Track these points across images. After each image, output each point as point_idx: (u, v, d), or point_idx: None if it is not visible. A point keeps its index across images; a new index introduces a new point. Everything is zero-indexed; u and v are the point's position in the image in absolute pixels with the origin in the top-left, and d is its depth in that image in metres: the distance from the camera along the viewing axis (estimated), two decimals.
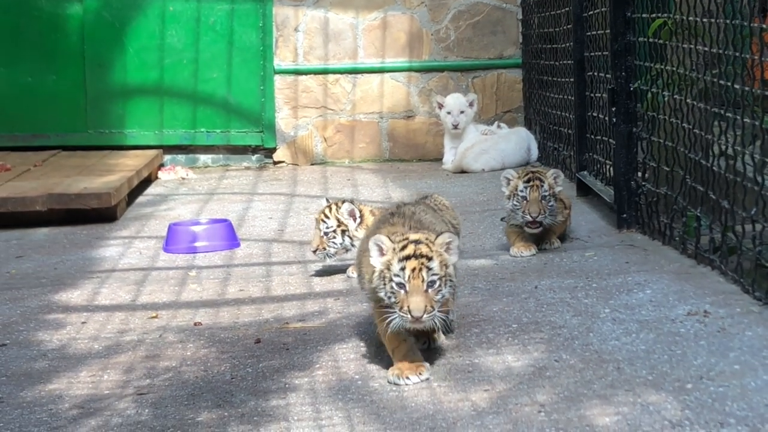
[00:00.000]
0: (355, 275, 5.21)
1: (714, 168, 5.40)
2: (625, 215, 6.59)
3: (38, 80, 10.51)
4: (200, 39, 10.54)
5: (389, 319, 4.13)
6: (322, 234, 6.04)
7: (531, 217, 6.22)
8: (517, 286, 5.56)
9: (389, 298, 4.13)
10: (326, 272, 6.20)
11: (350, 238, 6.05)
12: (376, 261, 4.17)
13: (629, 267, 5.74)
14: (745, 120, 4.99)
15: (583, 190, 7.81)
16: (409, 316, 4.06)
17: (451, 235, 4.22)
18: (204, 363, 4.64)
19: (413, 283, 4.07)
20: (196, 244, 6.87)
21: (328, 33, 10.58)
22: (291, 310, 5.44)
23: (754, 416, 3.66)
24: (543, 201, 6.25)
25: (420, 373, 4.23)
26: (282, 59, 10.58)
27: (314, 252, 6.09)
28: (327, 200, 6.20)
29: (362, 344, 4.78)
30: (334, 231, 6.04)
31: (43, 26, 10.49)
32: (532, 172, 6.34)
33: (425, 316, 4.06)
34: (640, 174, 6.54)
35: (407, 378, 4.22)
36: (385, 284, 4.13)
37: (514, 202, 6.32)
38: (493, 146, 9.70)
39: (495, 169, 9.50)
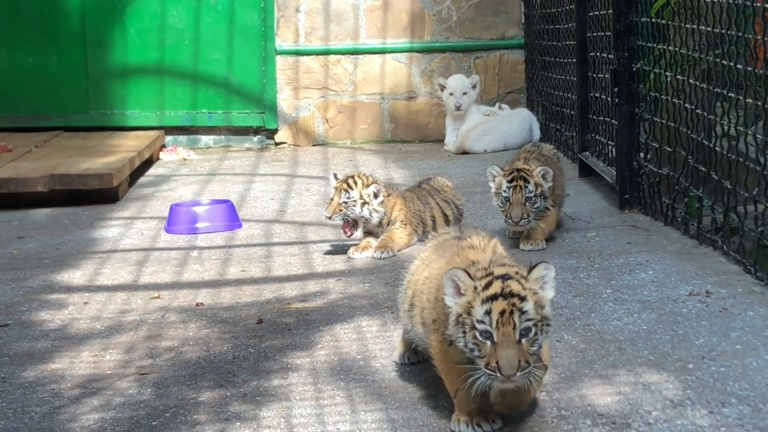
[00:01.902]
0: (396, 302, 4.26)
1: (716, 148, 5.39)
2: (627, 196, 6.58)
3: (39, 61, 10.50)
4: (201, 19, 10.52)
5: (473, 378, 3.34)
6: (340, 202, 6.08)
7: (512, 221, 5.88)
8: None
9: (471, 350, 3.31)
10: (327, 252, 6.20)
11: (370, 211, 6.11)
12: (453, 302, 3.37)
13: (631, 247, 5.73)
14: (747, 100, 4.98)
15: (585, 171, 7.80)
16: (498, 374, 3.26)
17: (547, 266, 3.39)
18: (206, 343, 4.65)
19: (502, 331, 3.26)
20: (198, 224, 6.87)
21: (330, 13, 10.55)
22: (292, 290, 5.44)
23: (755, 395, 3.67)
24: (527, 203, 5.87)
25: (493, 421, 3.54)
26: (283, 40, 10.56)
27: (329, 218, 6.11)
28: (335, 176, 6.22)
29: (364, 324, 4.78)
30: (355, 202, 6.09)
31: (44, 7, 10.47)
32: (518, 170, 5.92)
33: (519, 374, 3.26)
34: (642, 154, 6.53)
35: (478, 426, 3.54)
36: (464, 333, 3.32)
37: (498, 202, 5.99)
38: (495, 127, 9.68)
39: (497, 150, 9.49)
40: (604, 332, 4.43)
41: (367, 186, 6.09)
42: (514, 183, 5.90)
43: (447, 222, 6.39)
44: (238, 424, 3.76)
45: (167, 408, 3.93)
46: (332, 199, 6.11)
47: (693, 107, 5.71)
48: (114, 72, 10.55)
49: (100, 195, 7.96)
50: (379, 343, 4.51)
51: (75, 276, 5.90)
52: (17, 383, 4.27)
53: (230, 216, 6.98)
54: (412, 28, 10.59)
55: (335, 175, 6.21)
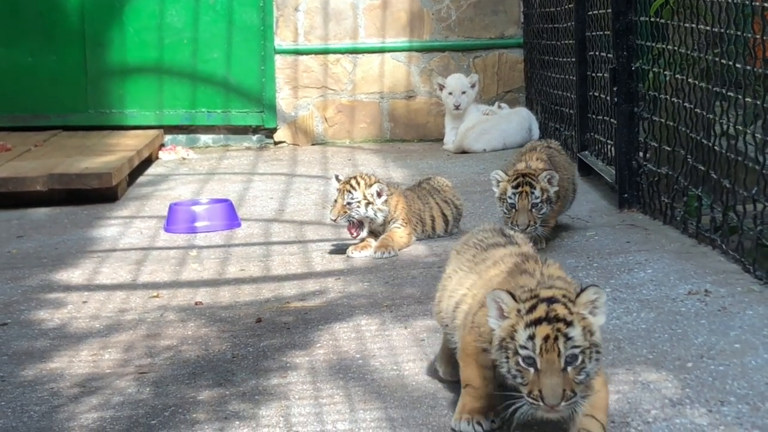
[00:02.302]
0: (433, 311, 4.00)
1: (715, 147, 5.40)
2: (626, 195, 6.59)
3: (39, 60, 10.49)
4: (200, 18, 10.51)
5: (515, 407, 3.17)
6: (345, 203, 6.04)
7: (519, 229, 5.58)
8: None
9: (514, 377, 3.14)
10: (326, 252, 6.20)
11: (374, 210, 6.09)
12: (496, 325, 3.20)
13: (630, 246, 5.73)
14: (746, 99, 4.98)
15: (585, 170, 7.80)
16: (541, 403, 3.09)
17: (597, 290, 3.18)
18: (204, 342, 4.64)
19: (546, 357, 3.08)
20: (197, 223, 6.86)
21: (329, 12, 10.55)
22: (291, 289, 5.44)
23: (754, 394, 3.67)
24: (533, 210, 5.72)
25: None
26: (282, 39, 10.56)
27: (335, 220, 6.07)
28: (337, 177, 6.18)
29: (363, 323, 4.78)
30: (359, 202, 6.06)
31: (43, 6, 10.47)
32: (523, 175, 5.76)
33: (563, 404, 3.08)
34: (641, 154, 6.53)
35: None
36: (508, 358, 3.15)
37: (503, 209, 5.82)
38: (494, 126, 9.68)
39: (496, 150, 9.50)
40: (603, 331, 4.38)
41: (370, 186, 6.08)
42: (519, 189, 5.74)
43: (446, 222, 6.39)
44: (237, 422, 3.76)
45: (166, 407, 3.93)
46: (336, 201, 6.09)
47: (692, 106, 5.71)
48: (113, 71, 10.54)
49: (99, 194, 7.96)
50: (378, 342, 4.51)
51: (74, 275, 5.90)
52: (16, 382, 4.27)
53: (229, 215, 6.98)
54: (411, 27, 10.59)
55: (337, 177, 6.19)
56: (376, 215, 6.09)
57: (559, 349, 3.07)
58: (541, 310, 3.12)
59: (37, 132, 10.14)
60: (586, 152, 7.79)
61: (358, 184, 6.08)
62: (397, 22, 10.58)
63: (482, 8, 10.61)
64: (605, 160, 7.25)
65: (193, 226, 6.86)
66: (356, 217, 6.07)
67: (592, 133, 7.72)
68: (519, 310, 3.15)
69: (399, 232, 6.13)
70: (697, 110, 5.65)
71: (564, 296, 3.16)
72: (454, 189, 6.65)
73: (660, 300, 4.76)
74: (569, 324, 3.10)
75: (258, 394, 4.01)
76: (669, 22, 6.06)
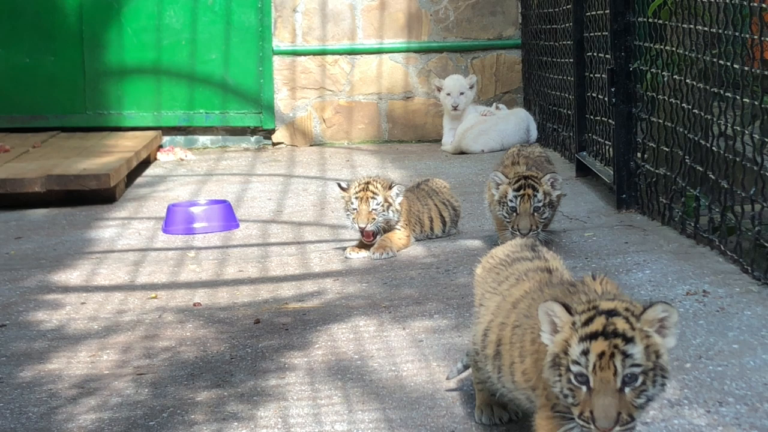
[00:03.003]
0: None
1: (713, 148, 5.40)
2: (624, 195, 6.59)
3: (37, 61, 10.49)
4: (198, 19, 10.51)
5: (565, 429, 2.93)
6: (370, 210, 6.01)
7: (521, 234, 5.44)
8: None
9: (566, 396, 2.85)
10: (324, 252, 6.20)
11: (393, 212, 6.08)
12: (549, 341, 2.91)
13: (628, 247, 5.74)
14: (744, 100, 4.98)
15: (583, 171, 7.81)
16: (592, 425, 2.79)
17: (668, 307, 2.85)
18: (203, 343, 4.64)
19: (600, 376, 2.77)
20: (195, 225, 6.86)
21: (327, 13, 10.55)
22: (289, 290, 5.44)
23: (752, 395, 3.67)
24: (535, 214, 5.56)
25: None
26: (281, 40, 10.56)
27: (363, 228, 6.01)
28: (340, 185, 6.15)
29: (361, 324, 4.78)
30: (383, 206, 6.03)
31: (41, 7, 10.46)
32: (525, 178, 5.59)
33: (617, 428, 2.78)
34: (639, 154, 6.54)
35: None
36: (560, 376, 2.84)
37: (503, 213, 5.62)
38: (492, 127, 9.69)
39: (494, 150, 9.50)
40: None
41: (389, 188, 6.07)
42: (521, 192, 5.56)
43: (444, 223, 6.39)
44: (235, 423, 3.76)
45: (164, 408, 3.93)
46: (357, 210, 6.01)
47: (690, 107, 5.72)
48: (111, 72, 10.54)
49: (97, 195, 7.96)
50: (376, 343, 4.51)
51: (72, 276, 5.90)
52: (14, 383, 4.27)
53: (227, 216, 6.98)
54: (409, 28, 10.59)
55: (340, 185, 6.16)
56: (394, 216, 6.09)
57: (615, 367, 2.76)
58: (598, 324, 2.81)
59: (35, 133, 10.14)
60: (584, 153, 7.79)
61: (377, 188, 6.06)
62: (395, 23, 10.58)
63: (480, 9, 10.61)
64: (603, 161, 7.25)
65: (191, 227, 6.86)
66: (381, 221, 6.05)
67: (590, 134, 7.72)
68: (574, 323, 2.85)
69: (398, 234, 6.13)
70: (695, 111, 5.65)
71: (627, 310, 2.84)
72: (451, 190, 6.65)
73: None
74: (629, 340, 2.78)
75: (256, 395, 4.01)
76: (667, 22, 6.06)
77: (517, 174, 5.64)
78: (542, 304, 2.92)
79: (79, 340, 4.78)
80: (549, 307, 2.90)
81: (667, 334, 2.85)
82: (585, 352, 2.79)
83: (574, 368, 2.81)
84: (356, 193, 6.05)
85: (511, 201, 5.57)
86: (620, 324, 2.81)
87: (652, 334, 2.82)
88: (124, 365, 4.42)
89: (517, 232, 5.47)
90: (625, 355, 2.77)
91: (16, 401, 4.07)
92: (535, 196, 5.56)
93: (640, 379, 2.78)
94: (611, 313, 2.83)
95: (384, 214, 6.04)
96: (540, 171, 5.80)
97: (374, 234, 6.07)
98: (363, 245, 6.06)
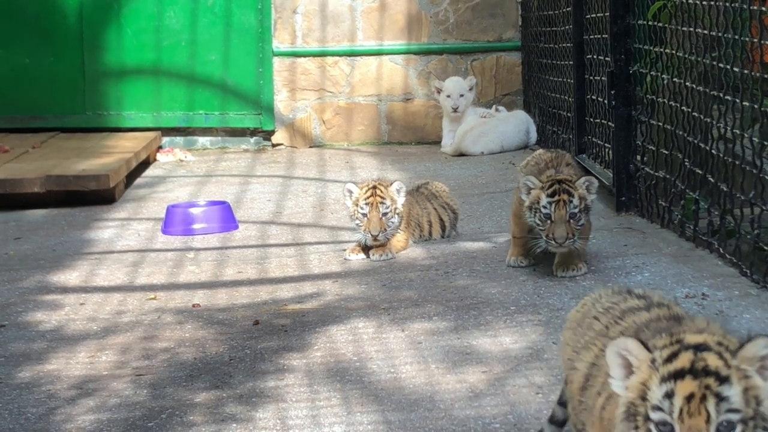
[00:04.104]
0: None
1: (713, 151, 5.40)
2: (623, 198, 6.59)
3: (36, 62, 10.49)
4: (198, 20, 10.51)
5: None
6: (381, 215, 5.94)
7: (557, 242, 5.14)
8: (515, 268, 5.56)
9: None
10: (323, 254, 6.19)
11: (398, 213, 6.03)
12: (621, 387, 2.39)
13: (627, 250, 5.74)
14: (744, 103, 4.98)
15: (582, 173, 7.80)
16: None
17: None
18: (202, 344, 4.64)
19: (689, 424, 2.24)
20: (194, 226, 6.86)
21: (327, 15, 10.55)
22: (288, 291, 5.44)
23: None
24: (571, 221, 5.17)
25: None
26: (280, 41, 10.56)
27: (376, 236, 5.92)
28: (351, 187, 6.04)
29: (360, 326, 4.78)
30: (392, 211, 5.97)
31: (41, 7, 10.46)
32: (559, 182, 5.20)
33: None
34: (639, 157, 6.54)
35: None
36: (636, 428, 2.32)
37: (536, 220, 5.21)
38: (492, 129, 9.69)
39: (494, 152, 9.50)
40: None
41: (388, 187, 6.01)
42: (556, 197, 5.15)
43: (443, 227, 6.37)
44: (234, 425, 3.76)
45: (163, 409, 3.93)
46: (367, 216, 5.94)
47: (690, 110, 5.72)
48: (111, 73, 10.54)
49: (96, 196, 7.95)
50: (375, 345, 4.50)
51: (71, 277, 5.90)
52: (13, 384, 4.27)
53: (227, 217, 6.98)
54: (409, 30, 10.59)
55: (350, 188, 6.05)
56: (398, 221, 6.04)
57: (708, 412, 2.23)
58: (684, 360, 2.29)
59: (34, 134, 10.13)
60: (584, 155, 7.79)
61: (384, 192, 5.98)
62: (395, 25, 10.58)
63: (480, 11, 10.61)
64: (603, 164, 7.25)
65: (191, 228, 6.86)
66: (391, 226, 5.99)
67: (589, 137, 7.72)
68: (653, 360, 2.33)
69: (397, 236, 6.11)
70: (695, 114, 5.65)
71: (719, 344, 2.33)
72: (450, 193, 6.64)
73: None
74: (724, 380, 2.25)
75: (255, 396, 4.01)
76: (667, 25, 6.07)
77: (550, 178, 5.24)
78: (612, 342, 2.41)
79: (78, 340, 4.78)
80: (621, 345, 2.38)
81: None
82: (669, 395, 2.27)
83: (655, 415, 2.27)
84: (366, 198, 5.96)
85: (544, 207, 5.17)
86: (712, 360, 2.28)
87: (752, 374, 2.29)
88: (122, 366, 4.42)
89: (552, 242, 5.14)
90: (720, 398, 2.24)
91: (14, 402, 4.07)
92: (571, 201, 5.17)
93: (739, 429, 2.24)
94: (700, 348, 2.31)
95: (393, 221, 5.98)
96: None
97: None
98: (363, 247, 6.05)
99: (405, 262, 5.94)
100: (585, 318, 2.88)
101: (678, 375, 2.27)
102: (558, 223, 5.14)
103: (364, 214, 5.96)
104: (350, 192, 6.06)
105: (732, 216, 5.17)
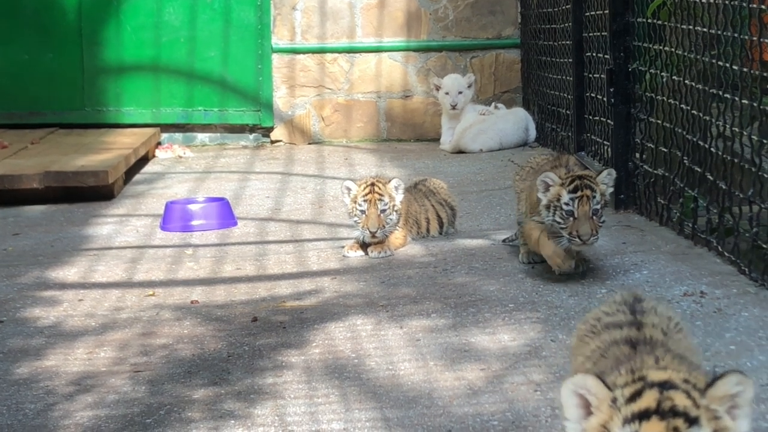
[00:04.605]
0: None
1: (712, 149, 5.40)
2: (622, 196, 6.59)
3: (35, 58, 10.48)
4: (197, 17, 10.51)
5: None
6: (379, 212, 5.92)
7: (581, 240, 4.96)
8: (513, 266, 5.56)
9: None
10: (322, 251, 6.19)
11: (397, 210, 6.01)
12: (578, 430, 2.21)
13: (626, 247, 5.74)
14: (743, 101, 4.98)
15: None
16: None
17: (742, 378, 2.14)
18: (200, 341, 4.64)
19: None
20: (193, 222, 6.86)
21: (326, 12, 10.55)
22: (287, 288, 5.44)
23: None
24: (594, 217, 4.98)
25: None
26: (280, 38, 10.55)
27: (374, 233, 5.90)
28: (350, 184, 6.01)
29: (358, 323, 4.78)
30: (390, 208, 5.95)
31: (40, 4, 10.45)
32: (579, 178, 5.01)
33: None
34: (637, 155, 6.54)
35: None
36: None
37: (556, 218, 5.02)
38: (491, 127, 9.69)
39: (493, 150, 9.50)
40: None
41: (386, 184, 5.98)
42: (579, 193, 4.96)
43: (441, 224, 6.37)
44: (232, 421, 3.76)
45: (161, 405, 3.93)
46: (365, 213, 5.91)
47: (689, 108, 5.72)
48: (110, 69, 10.53)
49: (95, 192, 7.95)
50: (374, 342, 4.50)
51: (69, 273, 5.90)
52: (11, 380, 4.26)
53: (225, 214, 6.97)
54: (408, 27, 10.59)
55: (350, 185, 6.02)
56: (396, 218, 6.02)
57: None
58: (650, 399, 2.10)
59: (33, 129, 10.13)
60: (583, 153, 7.79)
61: (382, 186, 5.96)
62: (394, 22, 10.57)
63: (479, 8, 10.61)
64: (602, 161, 7.25)
65: (189, 224, 6.85)
66: (390, 223, 5.98)
67: (588, 134, 7.72)
68: (614, 400, 2.14)
69: (396, 233, 6.11)
70: (694, 112, 5.65)
71: (686, 381, 2.14)
72: (448, 190, 6.64)
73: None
74: (693, 421, 2.07)
75: (253, 393, 4.01)
76: (666, 23, 6.06)
77: (570, 174, 5.06)
78: (566, 381, 2.21)
79: (76, 336, 4.78)
80: (578, 383, 2.17)
81: (739, 415, 2.14)
82: None
83: None
84: (364, 195, 5.95)
85: (566, 204, 4.97)
86: (680, 399, 2.09)
87: (721, 415, 2.12)
88: (121, 362, 4.42)
89: (577, 239, 4.96)
90: None
91: (12, 398, 4.07)
92: (594, 197, 4.99)
93: None
94: (666, 386, 2.12)
95: (392, 218, 5.96)
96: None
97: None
98: (361, 244, 6.05)
99: (403, 259, 5.94)
100: (581, 329, 2.71)
101: (643, 415, 2.09)
102: (582, 220, 4.96)
103: (363, 211, 5.95)
104: (348, 189, 6.04)
105: (731, 214, 5.17)
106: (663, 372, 2.16)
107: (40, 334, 4.84)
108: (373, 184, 5.99)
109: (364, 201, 5.96)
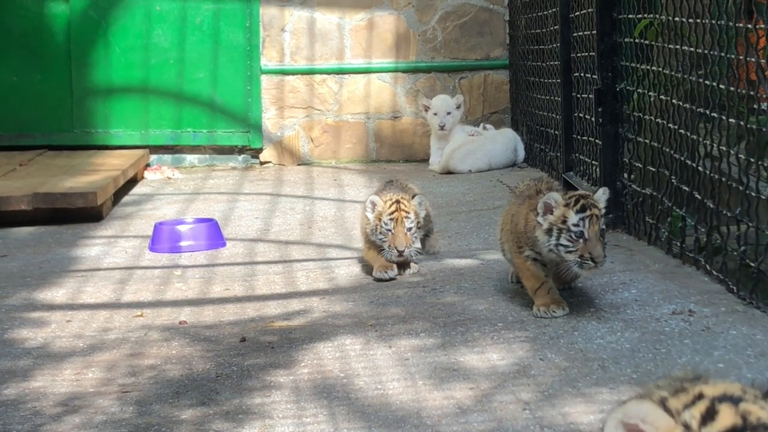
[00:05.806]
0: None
1: (699, 168, 5.41)
2: (611, 215, 6.58)
3: (24, 79, 10.48)
4: (186, 39, 10.52)
5: None
6: (406, 230, 5.78)
7: (595, 262, 4.66)
8: (502, 285, 5.56)
9: None
10: (311, 271, 6.18)
11: (420, 230, 5.93)
12: None
13: (615, 267, 5.74)
14: (730, 120, 5.00)
15: (570, 191, 7.81)
16: None
17: None
18: (188, 361, 4.63)
19: None
20: (182, 243, 6.85)
21: (315, 33, 10.57)
22: (276, 308, 5.43)
23: None
24: (602, 237, 4.75)
25: None
26: (269, 59, 10.57)
27: (402, 252, 5.75)
28: (375, 199, 5.83)
29: (347, 343, 4.77)
30: (415, 225, 5.83)
31: (29, 25, 10.46)
32: (583, 197, 4.75)
33: None
34: (626, 174, 6.55)
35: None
36: None
37: (561, 242, 4.72)
38: (479, 147, 9.71)
39: (482, 170, 9.52)
40: (588, 350, 4.43)
41: (410, 201, 5.87)
42: (587, 212, 4.67)
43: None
44: None
45: (149, 426, 3.91)
46: (391, 231, 5.76)
47: (676, 127, 5.74)
48: (99, 91, 10.54)
49: (84, 213, 7.94)
50: (362, 362, 4.49)
51: (58, 294, 5.88)
52: None
53: (214, 235, 6.97)
54: (397, 48, 10.61)
55: (373, 203, 5.86)
56: (420, 232, 5.95)
57: None
58: (729, 416, 1.75)
59: (22, 151, 10.12)
60: (571, 173, 7.81)
61: (407, 203, 5.83)
62: (383, 43, 10.60)
63: (468, 30, 10.64)
64: (590, 181, 7.26)
65: (178, 245, 6.84)
66: (416, 241, 5.86)
67: (577, 154, 7.74)
68: (687, 426, 1.77)
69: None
70: (682, 131, 5.67)
71: (744, 391, 1.82)
72: (417, 188, 6.43)
73: (644, 320, 4.76)
74: None
75: (241, 413, 4.00)
76: (653, 43, 6.09)
77: (573, 194, 4.82)
78: (613, 413, 1.82)
79: (64, 357, 4.76)
80: (629, 414, 1.80)
81: None
82: None
83: None
84: (390, 213, 5.79)
85: (575, 225, 4.66)
86: (757, 411, 1.77)
87: None
88: (108, 383, 4.40)
89: (590, 262, 4.66)
90: None
91: (0, 419, 4.05)
92: (601, 217, 4.75)
93: None
94: (733, 399, 1.79)
95: (416, 236, 5.85)
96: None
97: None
98: (393, 262, 5.84)
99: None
100: None
101: None
102: (593, 240, 4.64)
103: (389, 230, 5.80)
104: (374, 204, 5.89)
105: (719, 233, 5.18)
106: (715, 386, 1.84)
107: (27, 355, 4.82)
108: (398, 201, 5.83)
109: (390, 219, 5.80)
